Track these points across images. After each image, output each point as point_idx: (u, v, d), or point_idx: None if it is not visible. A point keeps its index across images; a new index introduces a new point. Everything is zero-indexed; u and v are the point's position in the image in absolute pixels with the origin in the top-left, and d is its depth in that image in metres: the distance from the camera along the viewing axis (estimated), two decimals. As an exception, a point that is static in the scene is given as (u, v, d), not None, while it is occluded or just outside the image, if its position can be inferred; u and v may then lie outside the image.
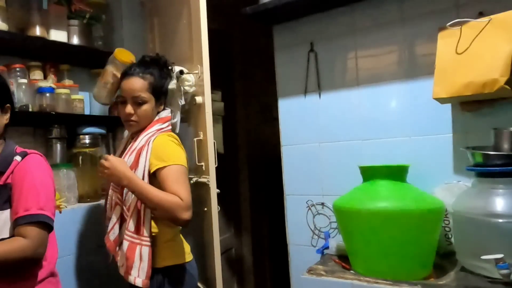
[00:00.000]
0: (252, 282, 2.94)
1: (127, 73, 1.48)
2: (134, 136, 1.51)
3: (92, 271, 1.81)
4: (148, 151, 1.37)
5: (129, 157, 1.42)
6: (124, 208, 1.43)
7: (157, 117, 1.49)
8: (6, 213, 1.18)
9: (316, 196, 1.73)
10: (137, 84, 1.44)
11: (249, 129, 2.99)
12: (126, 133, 1.60)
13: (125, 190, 1.41)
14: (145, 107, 1.45)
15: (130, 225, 1.38)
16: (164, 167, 1.34)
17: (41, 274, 1.23)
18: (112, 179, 1.39)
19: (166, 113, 1.53)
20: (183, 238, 1.52)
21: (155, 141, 1.39)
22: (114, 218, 1.45)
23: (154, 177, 1.37)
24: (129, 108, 1.44)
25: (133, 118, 1.45)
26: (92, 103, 2.12)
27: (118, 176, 1.34)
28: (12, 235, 1.16)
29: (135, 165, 1.38)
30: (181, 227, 1.49)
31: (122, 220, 1.45)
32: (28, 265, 1.18)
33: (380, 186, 1.31)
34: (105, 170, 1.36)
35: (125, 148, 1.53)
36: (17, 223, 1.15)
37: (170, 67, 1.57)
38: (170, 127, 1.51)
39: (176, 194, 1.29)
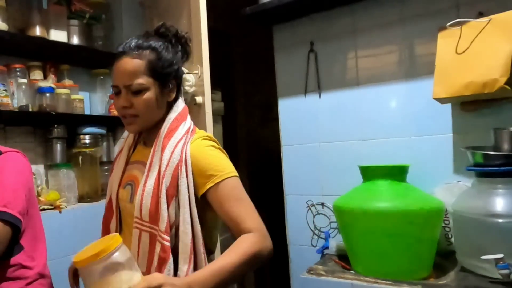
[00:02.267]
0: (252, 282, 2.94)
1: (118, 51, 1.05)
2: (146, 141, 1.12)
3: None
4: (189, 168, 0.99)
5: (149, 180, 1.01)
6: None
7: (173, 113, 1.07)
8: None
9: (316, 196, 1.73)
10: (130, 65, 1.01)
11: (249, 129, 3.00)
12: (126, 134, 1.22)
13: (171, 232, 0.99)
14: (146, 95, 1.02)
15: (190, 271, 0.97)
16: (217, 184, 0.97)
17: (30, 275, 1.20)
18: None
19: (181, 103, 1.12)
20: None
21: (191, 150, 1.01)
22: (172, 264, 0.97)
23: (202, 202, 1.01)
24: (122, 100, 1.02)
25: (131, 111, 1.03)
26: (92, 103, 2.13)
27: None
28: None
29: (173, 192, 0.99)
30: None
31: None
32: None
33: (380, 186, 1.31)
34: None
35: (128, 160, 1.15)
36: None
37: (183, 36, 1.12)
38: (192, 122, 1.12)
39: (243, 223, 0.94)
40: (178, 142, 1.02)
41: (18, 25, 1.76)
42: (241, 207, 0.97)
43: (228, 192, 0.97)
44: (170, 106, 1.09)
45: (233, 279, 0.91)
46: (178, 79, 1.10)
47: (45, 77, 1.89)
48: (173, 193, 0.99)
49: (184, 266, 0.97)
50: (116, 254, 0.78)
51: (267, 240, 0.95)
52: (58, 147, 1.91)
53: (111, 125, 2.14)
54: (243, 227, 0.95)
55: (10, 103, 1.68)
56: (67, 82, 1.97)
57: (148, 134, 1.11)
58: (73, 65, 2.03)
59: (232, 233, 0.98)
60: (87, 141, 1.96)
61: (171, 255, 0.97)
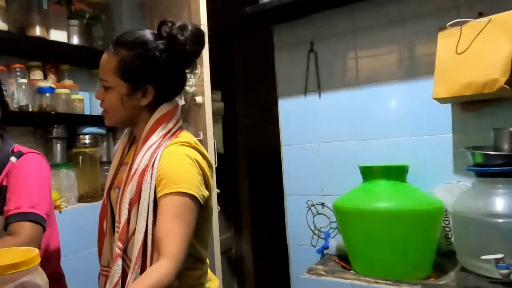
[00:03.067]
0: (252, 282, 2.94)
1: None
2: (139, 142, 1.05)
3: (92, 271, 1.80)
4: (154, 173, 0.93)
5: (132, 183, 0.97)
6: (127, 260, 0.97)
7: (155, 115, 1.01)
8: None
9: (316, 196, 1.73)
10: (104, 61, 1.01)
11: (249, 129, 2.99)
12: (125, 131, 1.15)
13: (131, 240, 0.96)
14: (110, 94, 1.00)
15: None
16: (165, 194, 0.90)
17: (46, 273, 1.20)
18: None
19: (167, 105, 1.03)
20: (213, 276, 1.12)
21: (162, 155, 0.95)
22: (116, 273, 0.96)
23: None
24: (97, 92, 1.04)
25: (102, 105, 1.04)
26: (92, 103, 2.13)
27: None
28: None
29: (136, 198, 0.95)
30: (208, 264, 1.10)
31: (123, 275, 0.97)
32: None
33: (380, 186, 1.31)
34: None
35: (122, 159, 1.12)
36: (8, 221, 1.09)
37: (172, 27, 1.00)
38: (179, 125, 1.04)
39: (165, 244, 0.85)
40: (150, 147, 0.97)
41: (18, 25, 1.75)
42: (174, 226, 0.87)
43: (170, 206, 0.89)
44: (155, 107, 1.02)
45: None
46: (158, 84, 1.00)
47: (45, 77, 1.88)
48: (136, 199, 0.94)
49: (129, 279, 0.91)
50: (39, 273, 0.60)
51: (178, 274, 0.84)
52: (58, 147, 1.90)
53: (111, 125, 2.13)
54: (162, 247, 0.85)
55: (10, 103, 1.69)
56: (67, 82, 1.97)
57: (137, 135, 1.07)
58: (73, 65, 2.03)
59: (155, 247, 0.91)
60: (87, 141, 1.96)
61: (117, 264, 0.94)
